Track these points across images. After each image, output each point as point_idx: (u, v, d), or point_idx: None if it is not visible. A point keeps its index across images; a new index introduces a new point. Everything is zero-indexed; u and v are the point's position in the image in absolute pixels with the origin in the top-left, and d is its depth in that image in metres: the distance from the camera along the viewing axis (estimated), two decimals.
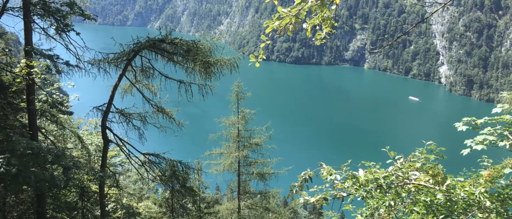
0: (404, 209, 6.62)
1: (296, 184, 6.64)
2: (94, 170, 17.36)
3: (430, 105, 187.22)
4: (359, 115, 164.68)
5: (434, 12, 7.47)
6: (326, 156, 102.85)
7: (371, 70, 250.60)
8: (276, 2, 5.59)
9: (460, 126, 6.34)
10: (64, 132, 16.53)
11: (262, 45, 5.69)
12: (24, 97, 13.84)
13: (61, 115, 15.67)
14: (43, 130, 15.57)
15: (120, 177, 24.80)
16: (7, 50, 14.13)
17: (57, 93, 15.26)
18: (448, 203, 6.13)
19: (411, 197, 6.75)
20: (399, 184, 6.78)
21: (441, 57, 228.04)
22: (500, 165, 6.62)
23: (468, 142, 6.05)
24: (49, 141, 15.83)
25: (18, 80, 13.16)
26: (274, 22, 5.25)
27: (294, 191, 6.68)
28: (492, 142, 5.94)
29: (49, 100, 14.43)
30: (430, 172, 6.87)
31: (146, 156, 15.81)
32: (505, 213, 5.94)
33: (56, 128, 16.02)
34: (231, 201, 29.21)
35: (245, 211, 28.22)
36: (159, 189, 31.39)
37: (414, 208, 6.38)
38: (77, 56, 14.24)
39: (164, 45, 13.93)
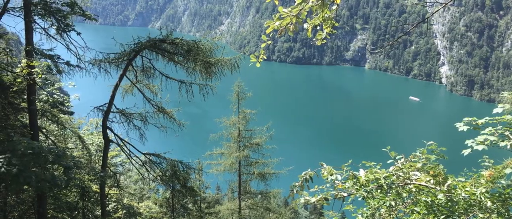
0: (405, 209, 6.62)
1: (297, 184, 6.64)
2: (95, 170, 17.36)
3: (431, 105, 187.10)
4: (360, 115, 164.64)
5: (435, 12, 7.47)
6: (327, 156, 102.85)
7: (372, 70, 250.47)
8: (276, 2, 5.59)
9: (461, 126, 6.33)
10: (65, 132, 16.55)
11: (263, 45, 5.68)
12: (25, 97, 13.85)
13: (62, 115, 15.69)
14: (44, 130, 15.59)
15: (121, 177, 24.80)
16: (8, 50, 14.14)
17: (58, 93, 15.28)
18: (449, 203, 6.13)
19: (412, 197, 6.74)
20: (400, 184, 6.78)
21: (442, 57, 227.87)
22: (501, 165, 6.61)
23: (469, 142, 6.03)
24: (50, 141, 15.85)
25: (19, 80, 13.17)
26: (275, 22, 5.25)
27: (295, 191, 6.68)
28: (493, 142, 5.93)
29: (50, 100, 14.44)
30: (431, 172, 6.86)
31: (147, 156, 15.82)
32: (506, 214, 5.93)
33: (57, 128, 16.03)
34: (232, 201, 29.21)
35: (245, 211, 28.22)
36: (160, 189, 31.40)
37: (415, 208, 6.37)
38: (78, 56, 14.25)
39: (164, 45, 13.94)
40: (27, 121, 14.23)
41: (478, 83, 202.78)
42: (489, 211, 5.96)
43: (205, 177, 29.64)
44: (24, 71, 12.86)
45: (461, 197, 6.16)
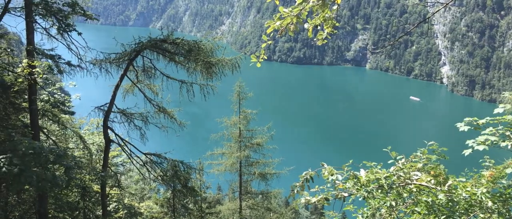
0: (406, 210, 6.61)
1: (298, 184, 6.64)
2: (95, 170, 17.38)
3: (432, 105, 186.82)
4: (361, 115, 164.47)
5: (436, 12, 7.45)
6: (328, 156, 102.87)
7: (373, 70, 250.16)
8: (277, 2, 5.59)
9: (462, 126, 6.32)
10: (66, 132, 16.56)
11: (264, 45, 5.68)
12: (26, 97, 13.87)
13: (63, 115, 15.70)
14: (45, 130, 15.60)
15: (121, 177, 24.82)
16: (9, 50, 14.15)
17: (59, 93, 15.31)
18: (450, 204, 6.12)
19: (412, 197, 6.74)
20: (401, 184, 6.77)
21: (443, 57, 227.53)
22: (502, 165, 6.59)
23: (469, 142, 6.02)
24: (51, 141, 15.85)
25: (20, 80, 13.19)
26: (276, 22, 5.25)
27: (296, 191, 6.68)
28: (494, 142, 5.92)
29: (51, 100, 14.47)
30: (432, 172, 6.86)
31: (148, 156, 15.82)
32: (507, 214, 5.93)
33: (58, 128, 16.04)
34: (233, 201, 29.21)
35: (246, 211, 28.23)
36: (160, 189, 31.41)
37: (416, 209, 6.37)
38: (79, 56, 14.26)
39: (165, 45, 13.95)
40: (28, 121, 14.24)
41: (479, 83, 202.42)
42: (490, 211, 5.96)
43: (206, 177, 29.65)
44: (25, 71, 12.88)
45: (462, 197, 6.16)
